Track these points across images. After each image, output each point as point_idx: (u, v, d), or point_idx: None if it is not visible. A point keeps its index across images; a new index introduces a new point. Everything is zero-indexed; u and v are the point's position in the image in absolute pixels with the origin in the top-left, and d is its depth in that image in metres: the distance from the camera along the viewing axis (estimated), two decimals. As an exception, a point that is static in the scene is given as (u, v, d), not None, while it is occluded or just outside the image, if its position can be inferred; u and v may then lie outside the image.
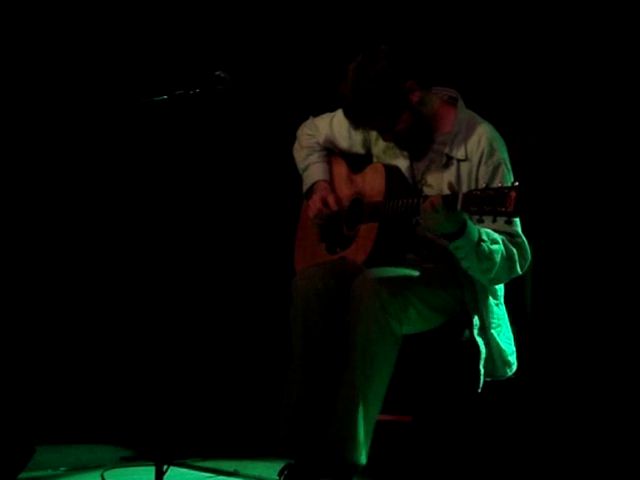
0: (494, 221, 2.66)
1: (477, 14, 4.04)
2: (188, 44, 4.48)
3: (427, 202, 2.80)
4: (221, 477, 3.39)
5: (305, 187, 3.41)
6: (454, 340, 3.07)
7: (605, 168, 3.69)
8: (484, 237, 2.87)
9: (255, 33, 4.55)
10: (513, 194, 2.59)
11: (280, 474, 2.89)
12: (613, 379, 3.57)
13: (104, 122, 4.41)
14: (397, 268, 3.03)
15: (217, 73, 3.00)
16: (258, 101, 4.54)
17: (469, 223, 2.83)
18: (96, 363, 4.42)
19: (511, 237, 2.98)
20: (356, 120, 3.12)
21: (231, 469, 3.45)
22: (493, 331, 3.06)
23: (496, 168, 3.02)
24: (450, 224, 2.80)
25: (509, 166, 3.06)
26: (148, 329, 4.12)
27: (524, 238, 3.01)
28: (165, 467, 2.87)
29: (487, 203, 2.64)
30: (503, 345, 3.07)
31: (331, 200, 3.28)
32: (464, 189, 2.93)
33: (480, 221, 2.70)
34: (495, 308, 3.08)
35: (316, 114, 3.48)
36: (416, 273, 3.02)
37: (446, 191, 2.83)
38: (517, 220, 3.01)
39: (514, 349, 3.12)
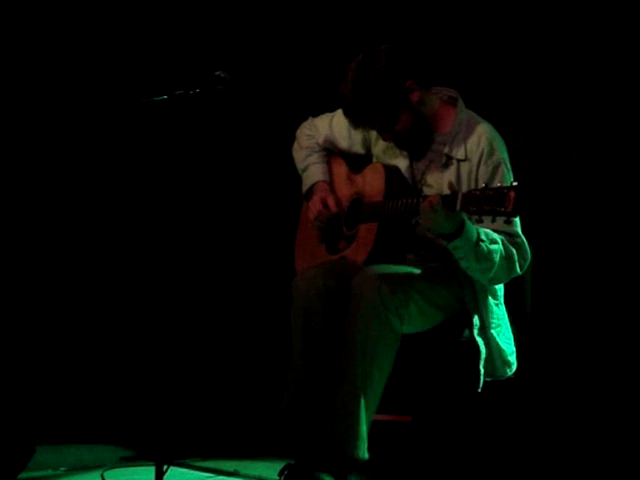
0: (493, 221, 2.66)
1: (477, 14, 4.05)
2: (188, 44, 4.48)
3: (426, 202, 2.80)
4: (221, 477, 3.39)
5: (305, 188, 3.41)
6: (454, 340, 3.07)
7: (605, 168, 3.69)
8: (483, 237, 2.87)
9: (255, 33, 4.55)
10: (512, 194, 2.59)
11: (280, 474, 2.89)
12: (613, 379, 3.57)
13: (104, 122, 4.41)
14: (398, 265, 3.03)
15: (217, 73, 3.00)
16: (258, 101, 4.54)
17: (467, 223, 2.83)
18: (96, 363, 4.42)
19: (510, 237, 2.98)
20: (356, 119, 3.12)
21: (231, 469, 3.45)
22: (493, 331, 3.06)
23: (496, 168, 3.03)
24: (449, 224, 2.80)
25: (509, 166, 3.06)
26: (148, 329, 4.12)
27: (523, 238, 3.01)
28: (165, 467, 2.87)
29: (486, 203, 2.64)
30: (503, 345, 3.07)
31: (331, 202, 3.28)
32: (464, 189, 2.93)
33: (479, 221, 2.70)
34: (495, 308, 3.08)
35: (316, 114, 3.48)
36: (417, 270, 3.02)
37: (446, 191, 2.83)
38: (517, 220, 3.01)
39: (514, 349, 3.12)
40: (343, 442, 2.84)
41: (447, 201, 2.75)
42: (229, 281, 4.61)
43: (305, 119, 3.50)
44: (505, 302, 3.14)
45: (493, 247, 2.90)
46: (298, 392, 2.99)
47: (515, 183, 2.62)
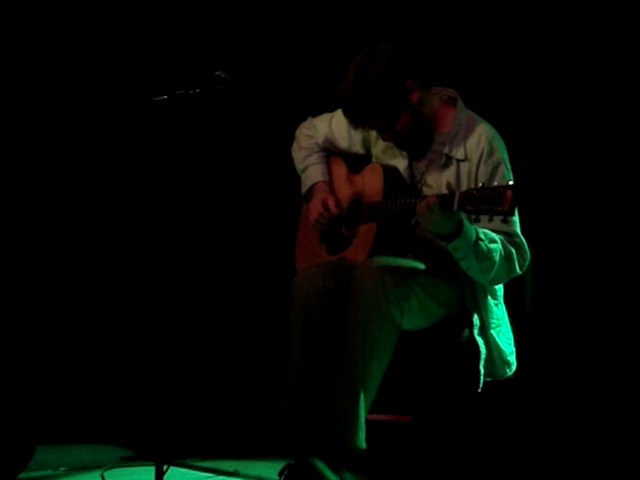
0: (490, 220, 2.66)
1: (476, 14, 4.04)
2: (188, 44, 4.48)
3: (423, 203, 2.80)
4: (221, 477, 3.39)
5: (304, 188, 3.41)
6: (454, 340, 3.07)
7: (605, 168, 3.69)
8: (482, 236, 2.87)
9: (255, 33, 4.55)
10: (509, 193, 2.60)
11: (280, 474, 2.89)
12: (613, 379, 3.57)
13: (104, 122, 4.41)
14: (400, 258, 3.03)
15: (217, 73, 3.00)
16: (258, 101, 4.54)
17: (466, 223, 2.83)
18: (96, 363, 4.42)
19: (509, 237, 2.98)
20: (355, 119, 3.12)
21: (231, 469, 3.45)
22: (492, 331, 3.06)
23: (496, 168, 3.03)
24: (447, 224, 2.80)
25: (509, 166, 3.06)
26: (148, 329, 4.12)
27: (522, 238, 3.01)
28: (165, 467, 2.87)
29: (483, 202, 2.64)
30: (502, 345, 3.07)
31: (331, 203, 3.28)
32: (464, 189, 2.93)
33: (476, 220, 2.70)
34: (494, 308, 3.09)
35: (315, 114, 3.48)
36: (419, 264, 3.02)
37: (445, 191, 2.83)
38: (516, 220, 3.02)
39: (514, 349, 3.12)
40: (339, 430, 2.83)
41: (444, 201, 2.75)
42: (229, 282, 4.61)
43: (304, 119, 3.50)
44: (505, 302, 3.14)
45: (493, 246, 2.90)
46: (299, 392, 2.99)
47: (512, 182, 2.63)
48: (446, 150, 3.10)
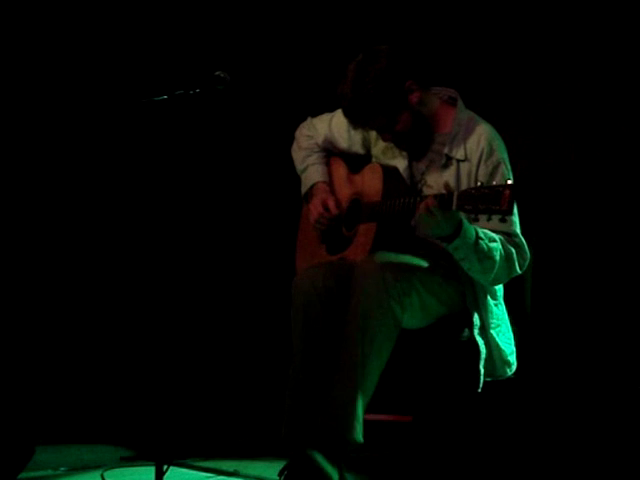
0: (489, 219, 2.66)
1: (476, 14, 4.04)
2: (188, 44, 4.48)
3: (422, 205, 2.79)
4: (221, 477, 3.39)
5: (304, 189, 3.41)
6: (454, 340, 3.07)
7: (604, 168, 3.69)
8: (481, 235, 2.88)
9: (255, 33, 4.55)
10: (507, 192, 2.60)
11: (280, 474, 2.88)
12: (613, 379, 3.57)
13: (104, 122, 4.41)
14: (401, 255, 3.03)
15: (217, 73, 3.00)
16: (257, 101, 4.54)
17: (465, 222, 2.83)
18: (96, 363, 4.42)
19: (509, 237, 2.98)
20: (355, 120, 3.12)
21: (231, 469, 3.45)
22: (492, 331, 3.06)
23: (496, 168, 3.03)
24: (447, 225, 2.80)
25: (509, 166, 3.06)
26: (148, 329, 4.12)
27: (522, 238, 3.01)
28: (165, 467, 2.87)
29: (481, 202, 2.64)
30: (502, 345, 3.07)
31: (331, 204, 3.28)
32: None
33: (475, 220, 2.70)
34: (494, 308, 3.09)
35: (315, 114, 3.48)
36: (420, 261, 3.02)
37: (444, 191, 2.83)
38: (516, 220, 3.02)
39: (514, 349, 3.13)
40: (337, 424, 2.82)
41: (443, 201, 2.75)
42: (229, 282, 4.61)
43: (304, 119, 3.50)
44: (505, 302, 3.14)
45: (493, 245, 2.90)
46: (299, 391, 3.00)
47: (510, 181, 2.63)
48: (446, 150, 3.10)
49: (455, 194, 2.72)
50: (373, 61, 3.03)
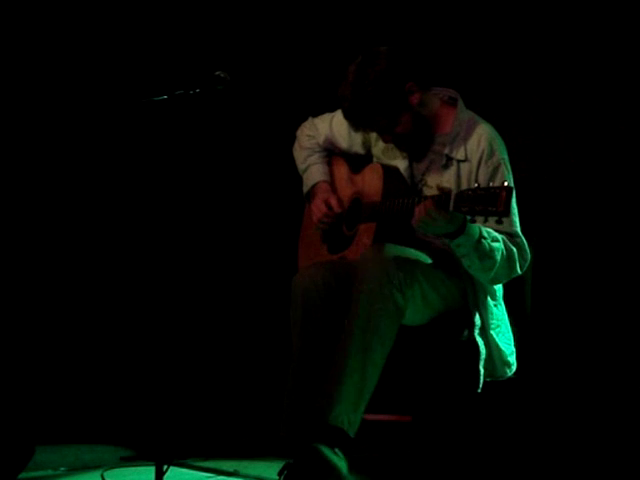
0: (486, 221, 2.66)
1: (476, 14, 4.04)
2: (188, 44, 4.48)
3: (421, 207, 2.79)
4: (221, 477, 3.39)
5: (305, 188, 3.41)
6: (454, 340, 3.08)
7: (604, 168, 3.69)
8: (484, 234, 2.88)
9: (255, 33, 4.55)
10: (503, 194, 2.60)
11: (280, 474, 2.88)
12: (613, 379, 3.57)
13: (104, 122, 4.41)
14: (405, 248, 3.03)
15: (217, 73, 3.00)
16: (258, 101, 4.54)
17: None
18: (96, 363, 4.42)
19: (510, 237, 2.99)
20: (356, 121, 3.12)
21: (231, 469, 3.45)
22: (492, 332, 3.06)
23: (496, 168, 3.03)
24: (450, 223, 2.80)
25: (509, 166, 3.06)
26: (148, 329, 4.12)
27: (523, 238, 3.01)
28: (165, 467, 2.87)
29: (478, 203, 2.64)
30: (502, 346, 3.07)
31: (334, 202, 3.28)
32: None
33: (472, 221, 2.71)
34: (494, 309, 3.09)
35: (316, 114, 3.48)
36: (422, 255, 3.03)
37: (444, 193, 2.83)
38: (516, 221, 3.02)
39: (514, 349, 3.13)
40: (334, 411, 2.80)
41: (440, 202, 2.75)
42: (230, 281, 4.61)
43: (305, 119, 3.50)
44: (505, 302, 3.15)
45: (495, 245, 2.90)
46: (298, 388, 2.99)
47: (506, 183, 2.63)
48: (446, 151, 3.10)
49: (452, 195, 2.72)
50: (373, 63, 3.03)
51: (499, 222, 2.64)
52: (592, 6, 3.74)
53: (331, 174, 3.40)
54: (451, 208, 2.71)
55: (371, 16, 4.32)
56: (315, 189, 3.36)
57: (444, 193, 2.74)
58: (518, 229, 3.02)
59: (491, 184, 2.69)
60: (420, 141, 3.16)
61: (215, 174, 4.56)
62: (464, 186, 3.02)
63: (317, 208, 3.30)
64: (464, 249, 2.87)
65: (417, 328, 3.05)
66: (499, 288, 3.12)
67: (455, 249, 2.90)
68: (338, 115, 3.31)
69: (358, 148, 3.34)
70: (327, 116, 3.43)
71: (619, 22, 3.68)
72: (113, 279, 4.51)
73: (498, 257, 2.91)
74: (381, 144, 3.25)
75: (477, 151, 3.05)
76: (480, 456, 3.31)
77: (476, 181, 3.00)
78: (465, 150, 3.07)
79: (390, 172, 3.17)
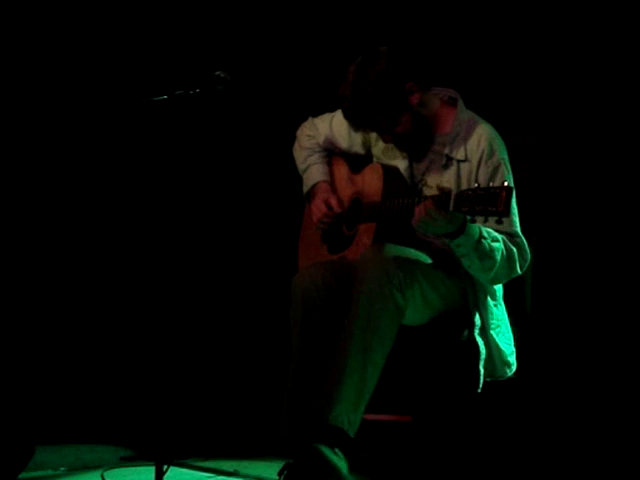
0: (486, 221, 2.67)
1: (476, 14, 4.05)
2: (188, 44, 4.48)
3: (421, 207, 2.79)
4: (221, 477, 3.39)
5: (305, 188, 3.41)
6: (454, 340, 3.08)
7: (604, 168, 3.69)
8: (485, 234, 2.88)
9: (255, 33, 4.55)
10: (503, 194, 2.60)
11: (280, 474, 2.88)
12: (613, 379, 3.57)
13: (104, 122, 4.41)
14: (405, 248, 3.03)
15: (217, 73, 3.00)
16: (258, 101, 4.54)
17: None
18: (96, 363, 4.42)
19: (511, 237, 2.99)
20: (356, 122, 3.12)
21: (231, 469, 3.45)
22: (492, 332, 3.06)
23: (496, 168, 3.03)
24: (450, 223, 2.81)
25: (509, 166, 3.06)
26: (148, 329, 4.12)
27: (523, 239, 3.01)
28: (165, 467, 2.87)
29: (478, 203, 2.64)
30: (502, 346, 3.07)
31: (334, 202, 3.28)
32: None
33: (472, 221, 2.71)
34: (494, 309, 3.09)
35: (316, 114, 3.48)
36: (422, 255, 3.03)
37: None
38: (516, 220, 3.02)
39: (514, 349, 3.13)
40: (334, 411, 2.80)
41: (440, 202, 2.75)
42: (230, 282, 4.61)
43: (305, 119, 3.50)
44: (505, 302, 3.15)
45: (495, 245, 2.90)
46: (298, 388, 3.00)
47: (506, 183, 2.63)
48: (446, 151, 3.10)
49: (452, 195, 2.72)
50: (373, 63, 3.03)
51: (499, 222, 2.65)
52: (592, 6, 3.74)
53: (331, 174, 3.40)
54: (451, 208, 2.71)
55: (371, 16, 4.32)
56: (315, 189, 3.36)
57: (444, 193, 2.74)
58: (518, 229, 3.02)
59: (491, 184, 2.69)
60: (420, 141, 3.16)
61: (215, 174, 4.56)
62: (464, 186, 3.02)
63: (317, 208, 3.30)
64: (464, 249, 2.88)
65: (417, 328, 3.05)
66: (499, 288, 3.12)
67: (455, 249, 2.90)
68: (338, 115, 3.31)
69: (358, 148, 3.34)
70: (327, 116, 3.43)
71: (619, 22, 3.68)
72: (113, 280, 4.51)
73: (498, 257, 2.91)
74: (381, 144, 3.25)
75: (477, 151, 3.05)
76: (480, 456, 3.31)
77: (476, 181, 3.00)
78: (465, 150, 3.07)
79: (390, 172, 3.17)
